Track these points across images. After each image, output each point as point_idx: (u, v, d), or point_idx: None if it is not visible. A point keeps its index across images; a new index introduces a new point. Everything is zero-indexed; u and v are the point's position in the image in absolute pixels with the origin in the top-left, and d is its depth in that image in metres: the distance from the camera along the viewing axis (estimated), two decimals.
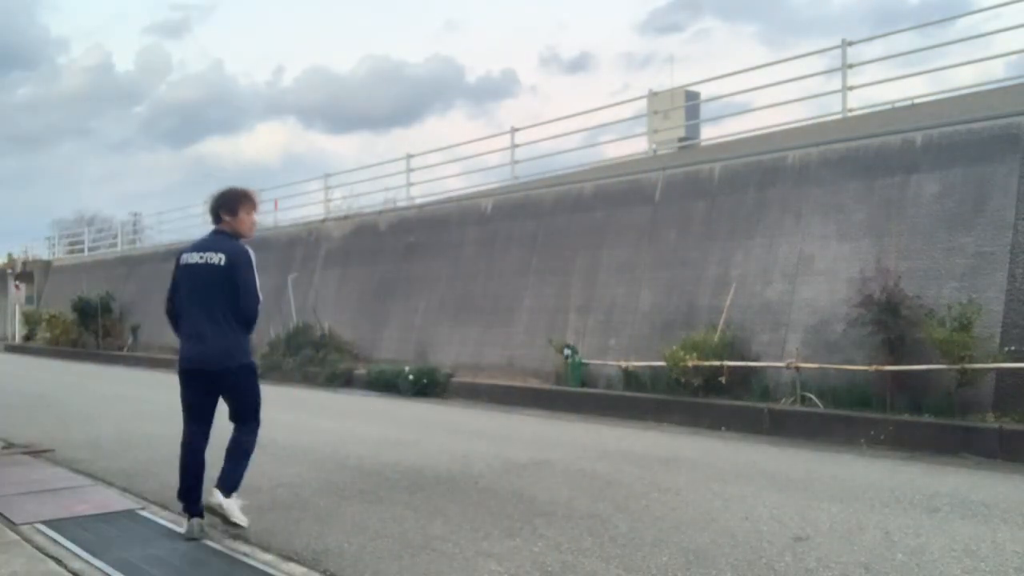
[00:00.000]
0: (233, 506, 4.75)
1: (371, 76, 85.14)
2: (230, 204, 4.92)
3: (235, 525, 4.73)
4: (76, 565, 4.23)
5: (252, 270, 4.82)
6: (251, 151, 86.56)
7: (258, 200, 5.20)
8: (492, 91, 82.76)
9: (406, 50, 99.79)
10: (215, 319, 4.73)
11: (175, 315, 4.93)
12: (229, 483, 4.77)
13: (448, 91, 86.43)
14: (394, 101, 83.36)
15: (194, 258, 4.80)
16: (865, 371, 8.20)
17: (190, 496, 4.79)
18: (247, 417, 4.89)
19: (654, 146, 14.23)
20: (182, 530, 4.78)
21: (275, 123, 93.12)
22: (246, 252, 4.81)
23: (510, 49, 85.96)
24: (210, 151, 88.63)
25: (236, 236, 4.92)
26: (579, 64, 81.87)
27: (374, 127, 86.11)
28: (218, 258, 4.75)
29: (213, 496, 4.71)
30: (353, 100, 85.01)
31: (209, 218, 5.02)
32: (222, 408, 4.89)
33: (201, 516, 4.77)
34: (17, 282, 29.61)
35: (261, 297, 4.87)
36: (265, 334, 15.95)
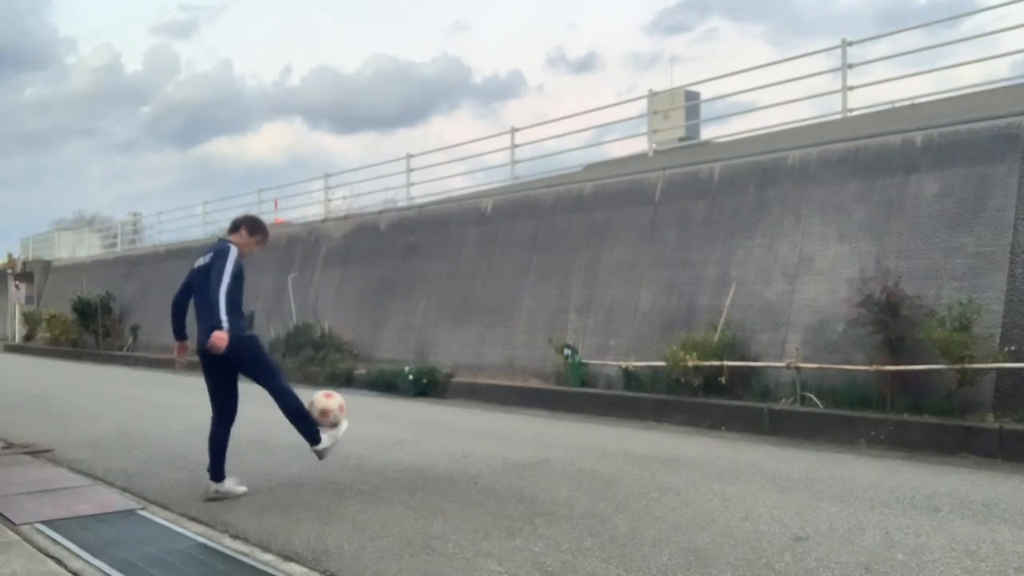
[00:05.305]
0: (329, 440, 5.68)
1: (378, 76, 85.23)
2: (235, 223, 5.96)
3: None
4: (76, 565, 4.23)
5: (224, 262, 5.54)
6: (257, 151, 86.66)
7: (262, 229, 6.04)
8: (498, 91, 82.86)
9: (414, 50, 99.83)
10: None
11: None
12: (308, 439, 5.66)
13: (455, 91, 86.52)
14: (401, 101, 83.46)
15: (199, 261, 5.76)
16: (865, 371, 8.20)
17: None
18: (262, 381, 5.62)
19: (654, 146, 14.21)
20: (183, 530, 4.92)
21: (281, 123, 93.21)
22: (226, 250, 5.62)
23: (517, 49, 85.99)
24: (216, 151, 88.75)
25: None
26: (586, 64, 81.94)
27: (380, 127, 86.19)
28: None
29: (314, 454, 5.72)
30: (360, 100, 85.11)
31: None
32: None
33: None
34: (17, 282, 29.60)
35: (225, 281, 5.45)
36: (265, 334, 15.97)
